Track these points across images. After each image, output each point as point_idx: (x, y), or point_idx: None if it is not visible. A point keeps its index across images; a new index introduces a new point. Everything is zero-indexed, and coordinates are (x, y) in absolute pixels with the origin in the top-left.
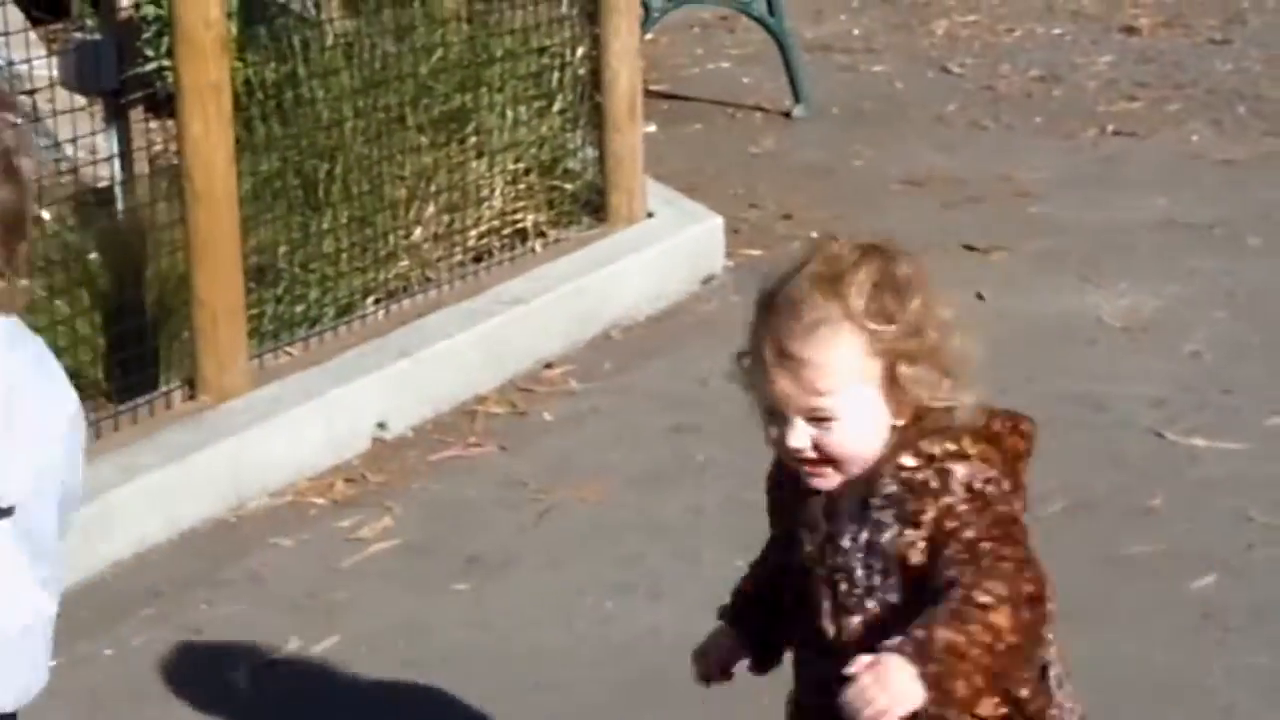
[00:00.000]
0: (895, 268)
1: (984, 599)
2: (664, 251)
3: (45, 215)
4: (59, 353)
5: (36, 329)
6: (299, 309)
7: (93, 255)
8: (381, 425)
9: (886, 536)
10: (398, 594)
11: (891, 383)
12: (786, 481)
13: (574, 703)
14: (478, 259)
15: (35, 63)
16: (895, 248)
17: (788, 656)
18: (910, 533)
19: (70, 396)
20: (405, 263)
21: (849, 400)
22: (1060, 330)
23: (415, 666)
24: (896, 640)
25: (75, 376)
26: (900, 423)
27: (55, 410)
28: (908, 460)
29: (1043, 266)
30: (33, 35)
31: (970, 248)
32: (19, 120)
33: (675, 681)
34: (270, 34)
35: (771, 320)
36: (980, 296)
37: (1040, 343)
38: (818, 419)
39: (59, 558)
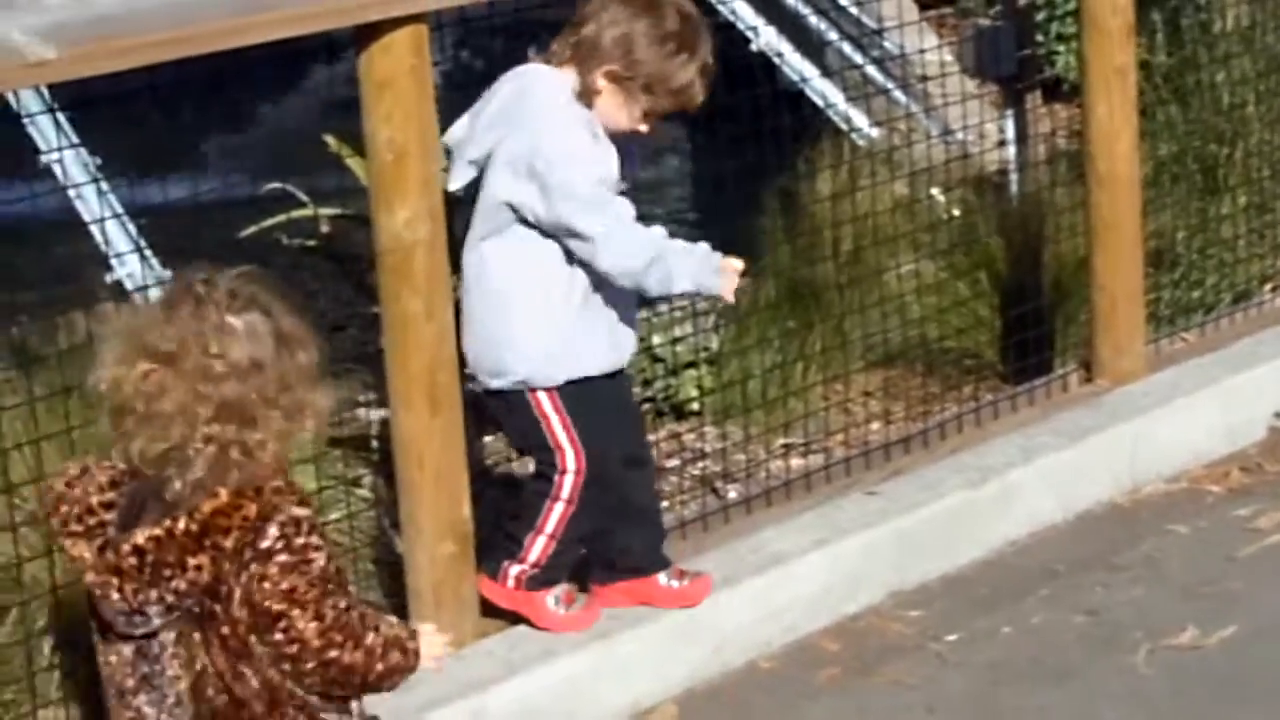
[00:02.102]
0: None
1: None
2: None
3: (940, 198)
4: (957, 333)
5: (939, 309)
6: (1195, 294)
7: (991, 239)
8: (1278, 414)
9: None
10: None
11: None
12: None
13: None
14: None
15: (930, 51)
16: None
17: None
18: None
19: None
20: None
21: None
22: None
23: None
24: None
25: (973, 357)
26: None
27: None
28: None
29: None
30: (924, 23)
31: None
32: None
33: None
34: (1164, 19)
35: None
36: None
37: None
38: None
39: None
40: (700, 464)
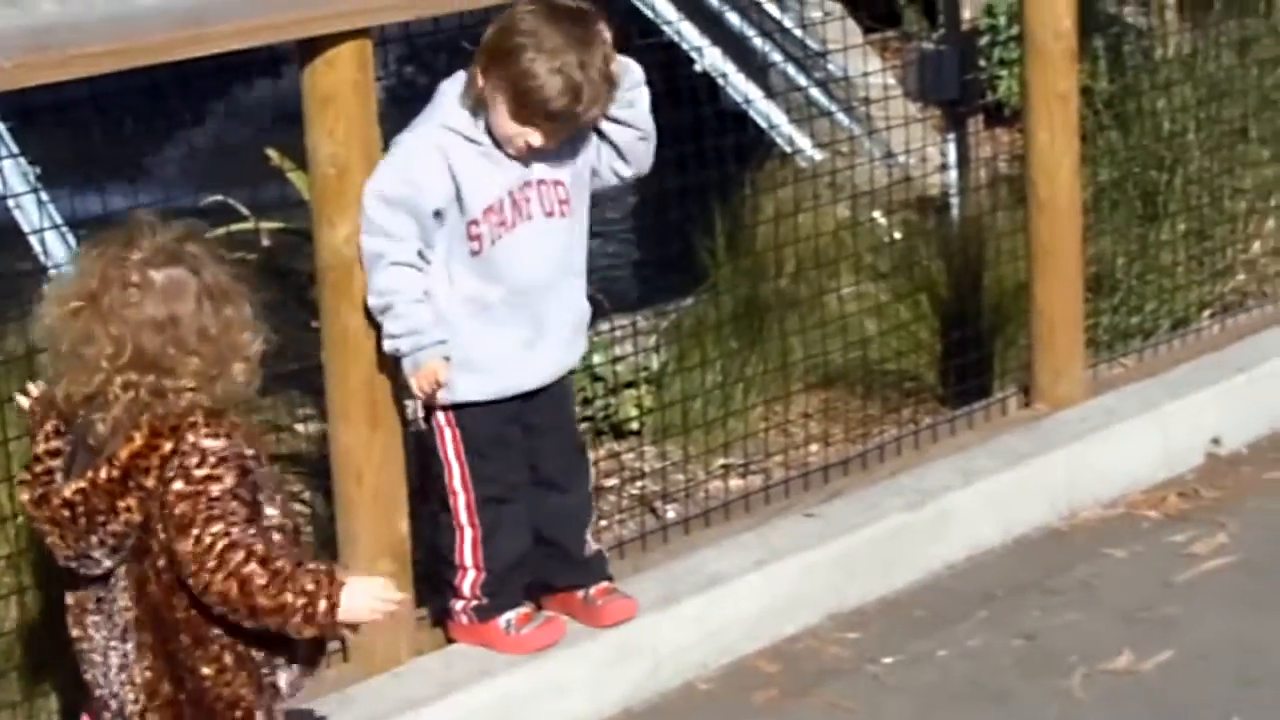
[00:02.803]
0: None
1: None
2: None
3: (881, 220)
4: (898, 356)
5: (880, 332)
6: (1134, 320)
7: (932, 262)
8: (1216, 440)
9: None
10: (1233, 612)
11: None
12: None
13: None
14: None
15: (873, 74)
16: None
17: None
18: None
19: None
20: (1242, 277)
21: None
22: None
23: (1252, 686)
24: None
25: (912, 380)
26: None
27: None
28: None
29: None
30: (867, 47)
31: None
32: None
33: None
34: (1106, 45)
35: None
36: None
37: None
38: None
39: None
40: (639, 484)
